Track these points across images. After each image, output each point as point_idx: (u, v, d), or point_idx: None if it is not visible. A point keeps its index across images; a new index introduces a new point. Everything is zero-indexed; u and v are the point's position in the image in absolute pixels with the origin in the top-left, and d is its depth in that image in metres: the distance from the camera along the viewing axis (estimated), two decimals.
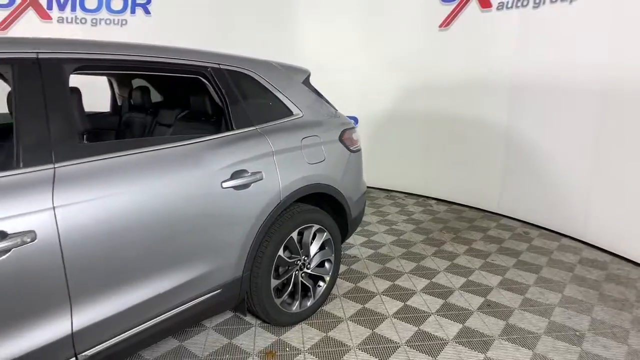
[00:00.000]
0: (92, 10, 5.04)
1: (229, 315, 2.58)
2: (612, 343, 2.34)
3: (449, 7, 4.41)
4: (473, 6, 4.25)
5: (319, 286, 2.60)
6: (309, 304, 2.52)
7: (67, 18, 4.95)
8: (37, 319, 1.45)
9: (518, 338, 2.37)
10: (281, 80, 2.45)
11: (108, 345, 1.65)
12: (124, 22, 5.15)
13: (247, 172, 2.05)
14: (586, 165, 3.61)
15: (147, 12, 5.19)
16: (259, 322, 2.51)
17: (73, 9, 4.96)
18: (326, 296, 2.66)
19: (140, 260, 1.70)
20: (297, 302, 2.45)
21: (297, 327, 2.47)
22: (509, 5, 3.99)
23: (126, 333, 1.69)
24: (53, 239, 1.44)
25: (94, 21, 5.06)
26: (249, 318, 2.54)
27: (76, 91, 1.78)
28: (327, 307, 2.67)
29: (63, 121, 1.56)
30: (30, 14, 4.78)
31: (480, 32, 4.22)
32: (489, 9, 4.14)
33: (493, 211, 4.45)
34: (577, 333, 2.43)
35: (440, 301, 2.75)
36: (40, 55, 1.56)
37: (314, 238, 2.51)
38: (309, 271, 2.51)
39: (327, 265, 2.63)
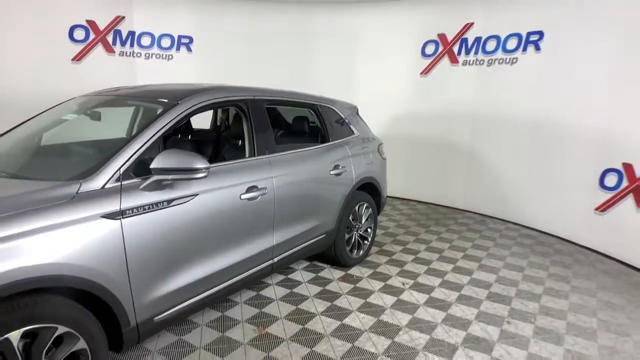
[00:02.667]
0: (146, 47, 6.25)
1: (306, 264, 3.94)
2: (540, 271, 3.99)
3: (428, 61, 6.14)
4: (445, 61, 6.00)
5: (365, 244, 4.03)
6: (360, 253, 3.95)
7: (126, 52, 6.12)
8: (263, 235, 2.79)
9: (488, 270, 3.96)
10: (346, 112, 3.94)
11: (284, 256, 3.01)
12: (170, 57, 6.40)
13: (340, 166, 3.50)
14: (523, 173, 5.37)
15: (189, 50, 6.48)
16: (328, 265, 3.90)
17: (132, 45, 6.14)
18: (368, 251, 4.11)
19: (298, 210, 3.09)
20: (356, 250, 3.88)
21: (355, 268, 3.89)
22: (470, 63, 5.77)
23: (291, 250, 3.06)
24: (272, 193, 2.80)
25: (147, 55, 6.27)
26: (320, 263, 3.92)
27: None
28: (369, 259, 4.11)
29: (268, 132, 2.93)
30: (99, 48, 5.90)
31: (450, 79, 5.96)
32: (457, 64, 5.91)
33: (459, 207, 6.13)
34: (521, 267, 4.06)
35: (437, 255, 4.29)
36: (255, 97, 2.94)
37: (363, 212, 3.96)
38: (360, 232, 3.95)
39: (369, 230, 4.07)
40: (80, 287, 1.82)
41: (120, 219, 1.95)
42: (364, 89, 6.49)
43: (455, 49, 5.92)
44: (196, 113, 2.53)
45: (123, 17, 5.98)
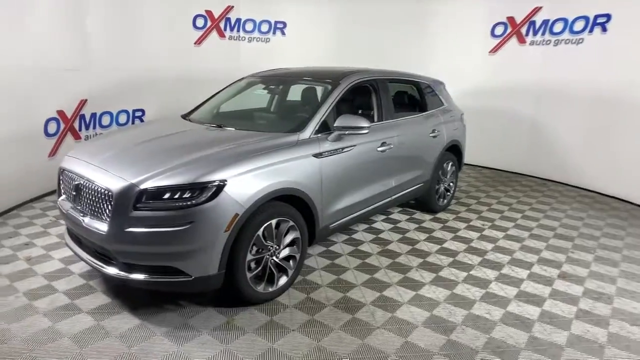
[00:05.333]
0: (249, 32, 7.35)
1: (399, 209, 4.97)
2: (598, 221, 4.84)
3: (497, 40, 6.87)
4: (513, 41, 6.71)
5: (448, 195, 5.01)
6: (444, 202, 4.95)
7: (233, 36, 7.25)
8: (387, 178, 3.84)
9: (552, 219, 4.85)
10: (437, 86, 4.88)
11: (398, 195, 4.06)
12: (268, 40, 7.49)
13: (436, 130, 4.47)
14: (582, 142, 6.10)
15: (283, 33, 7.53)
16: (417, 210, 4.91)
17: (238, 30, 7.26)
18: (450, 200, 5.10)
19: (409, 162, 4.11)
20: (441, 199, 4.88)
21: (441, 213, 4.89)
22: (537, 43, 6.46)
23: (402, 192, 4.11)
24: (395, 147, 3.83)
25: (249, 39, 7.38)
26: (410, 209, 4.94)
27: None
28: (450, 208, 5.10)
29: (390, 102, 3.94)
30: (214, 34, 7.04)
31: (517, 57, 6.67)
32: (524, 44, 6.61)
33: (520, 172, 6.94)
34: (581, 217, 4.92)
35: (507, 207, 5.21)
36: (379, 77, 3.94)
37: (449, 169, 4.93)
38: (445, 185, 4.92)
39: (451, 184, 5.04)
40: (301, 197, 2.93)
41: (320, 158, 3.05)
42: (438, 66, 7.25)
43: (523, 30, 6.60)
44: (349, 89, 3.56)
45: (232, 7, 7.08)
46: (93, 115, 5.65)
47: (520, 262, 3.72)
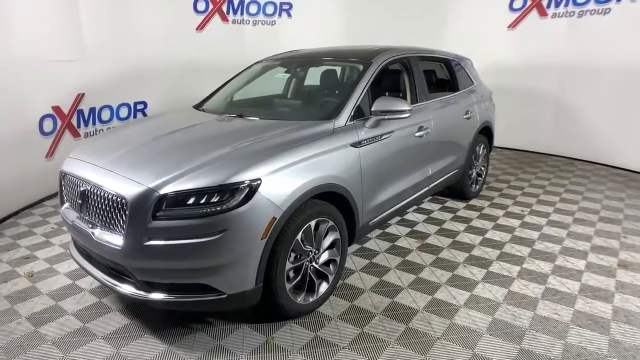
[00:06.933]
0: (253, 14, 6.89)
1: (428, 198, 4.62)
2: (639, 201, 4.53)
3: (516, 14, 6.45)
4: (534, 14, 6.29)
5: (479, 180, 4.66)
6: (477, 187, 4.59)
7: (237, 20, 6.79)
8: (425, 166, 3.48)
9: (591, 200, 4.52)
10: (467, 65, 4.48)
11: (435, 184, 3.71)
12: (273, 23, 7.02)
13: (469, 111, 4.09)
14: (613, 118, 5.74)
15: (289, 15, 7.07)
16: (448, 198, 4.56)
17: (242, 13, 6.79)
18: (482, 186, 4.75)
19: (445, 147, 3.75)
20: (474, 185, 4.52)
21: (473, 200, 4.54)
22: (560, 15, 6.05)
23: (439, 180, 3.76)
24: (432, 132, 3.45)
25: (254, 22, 6.92)
26: (441, 197, 4.59)
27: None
28: (481, 193, 4.75)
29: (423, 82, 3.56)
30: (216, 18, 6.58)
31: (539, 32, 6.26)
32: (546, 17, 6.19)
33: (545, 152, 6.59)
34: (620, 198, 4.59)
35: (542, 190, 4.86)
36: (411, 55, 3.54)
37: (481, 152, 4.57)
38: (477, 170, 4.56)
39: (482, 168, 4.68)
40: (341, 192, 2.56)
41: (359, 147, 2.68)
42: (454, 43, 6.82)
43: (545, 2, 6.18)
44: (382, 68, 3.16)
45: None
46: (92, 110, 5.22)
47: (573, 251, 3.39)
